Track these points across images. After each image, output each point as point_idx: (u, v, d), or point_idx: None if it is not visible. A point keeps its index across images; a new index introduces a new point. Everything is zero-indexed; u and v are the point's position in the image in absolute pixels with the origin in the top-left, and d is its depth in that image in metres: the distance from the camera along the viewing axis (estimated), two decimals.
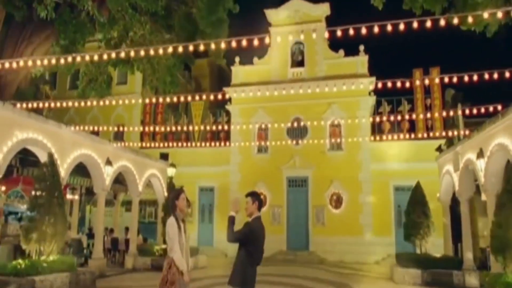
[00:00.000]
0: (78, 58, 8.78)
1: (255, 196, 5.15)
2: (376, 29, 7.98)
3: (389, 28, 7.91)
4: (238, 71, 23.10)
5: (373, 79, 20.90)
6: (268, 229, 19.61)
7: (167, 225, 5.19)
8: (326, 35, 8.47)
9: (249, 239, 4.91)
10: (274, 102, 21.14)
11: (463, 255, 13.16)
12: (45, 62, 8.37)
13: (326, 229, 20.17)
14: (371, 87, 20.68)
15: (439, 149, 15.25)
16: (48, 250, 9.92)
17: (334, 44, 21.75)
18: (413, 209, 13.68)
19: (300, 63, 22.55)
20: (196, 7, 13.72)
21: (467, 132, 14.78)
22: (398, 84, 12.30)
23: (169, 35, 15.62)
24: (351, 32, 8.03)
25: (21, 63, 8.10)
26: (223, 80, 29.48)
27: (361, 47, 21.46)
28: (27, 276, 8.99)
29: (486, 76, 10.72)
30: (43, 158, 10.76)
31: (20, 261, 9.39)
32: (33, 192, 14.18)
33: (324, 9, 22.36)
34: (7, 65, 8.61)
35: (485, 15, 7.85)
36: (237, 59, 23.16)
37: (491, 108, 13.19)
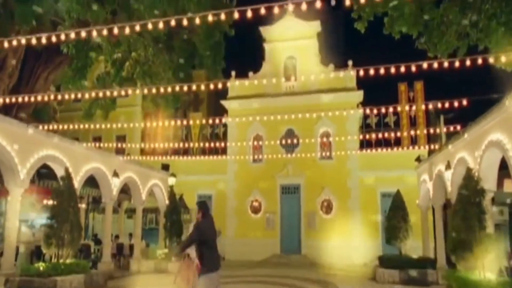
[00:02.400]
0: (100, 94, 10.11)
1: (199, 206, 6.61)
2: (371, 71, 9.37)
3: (382, 71, 9.39)
4: (234, 85, 24.34)
5: (361, 92, 22.34)
6: (262, 233, 21.26)
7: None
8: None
9: (201, 234, 6.25)
10: (268, 114, 22.41)
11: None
12: (72, 96, 9.70)
13: (318, 234, 21.48)
14: (359, 100, 22.09)
15: (418, 159, 16.61)
16: (65, 254, 11.19)
17: (325, 58, 23.16)
18: (394, 215, 15.01)
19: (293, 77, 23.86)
20: (195, 32, 15.04)
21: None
22: (388, 110, 13.69)
23: (170, 55, 16.94)
24: (352, 73, 9.47)
25: (51, 96, 9.40)
26: (220, 90, 30.66)
27: (350, 62, 22.71)
28: (49, 277, 10.27)
29: (465, 102, 12.03)
30: (59, 172, 12.04)
31: (42, 263, 10.66)
32: (44, 201, 15.48)
33: (315, 26, 23.76)
34: (26, 98, 9.87)
35: (458, 63, 9.08)
36: (233, 73, 24.43)
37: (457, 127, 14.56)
